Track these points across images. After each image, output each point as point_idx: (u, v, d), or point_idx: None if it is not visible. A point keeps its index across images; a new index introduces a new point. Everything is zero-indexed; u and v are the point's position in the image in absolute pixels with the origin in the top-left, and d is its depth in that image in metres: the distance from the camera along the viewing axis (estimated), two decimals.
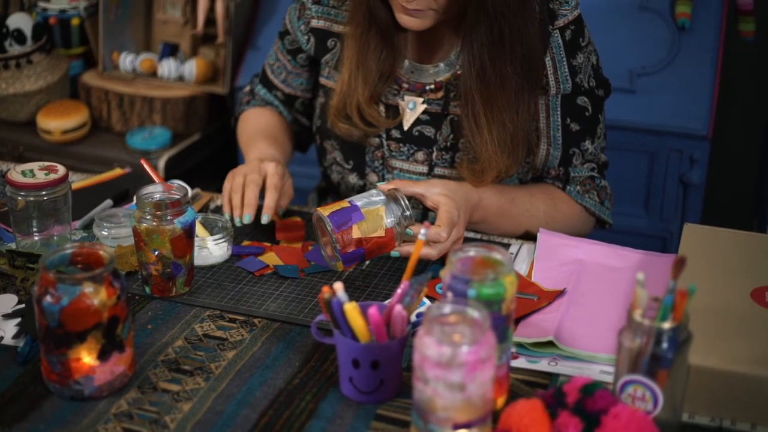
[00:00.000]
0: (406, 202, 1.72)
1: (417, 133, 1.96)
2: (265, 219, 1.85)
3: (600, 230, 2.09)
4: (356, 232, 1.69)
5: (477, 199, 1.87)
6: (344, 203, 1.73)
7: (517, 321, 1.63)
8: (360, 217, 1.70)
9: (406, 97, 1.96)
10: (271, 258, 1.83)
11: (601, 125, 1.99)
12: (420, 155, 1.97)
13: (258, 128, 2.13)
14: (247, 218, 1.83)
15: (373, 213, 1.71)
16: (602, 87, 1.97)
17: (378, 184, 1.78)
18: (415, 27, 1.81)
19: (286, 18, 2.08)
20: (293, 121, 2.20)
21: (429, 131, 1.95)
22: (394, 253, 1.73)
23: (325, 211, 1.71)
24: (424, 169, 1.97)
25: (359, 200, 1.73)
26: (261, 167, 1.90)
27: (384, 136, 1.98)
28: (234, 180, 1.88)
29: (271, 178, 1.88)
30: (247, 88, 2.24)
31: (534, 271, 1.80)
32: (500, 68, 1.83)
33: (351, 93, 1.93)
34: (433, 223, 1.74)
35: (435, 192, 1.78)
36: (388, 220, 1.71)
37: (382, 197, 1.74)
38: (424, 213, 1.98)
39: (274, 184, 1.87)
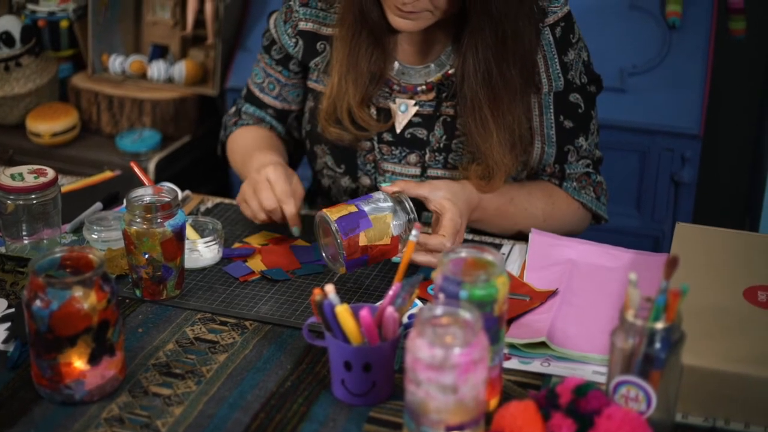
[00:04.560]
0: (411, 205, 1.72)
1: (409, 136, 1.95)
2: (296, 231, 1.83)
3: (592, 229, 2.09)
4: (363, 240, 1.68)
5: (477, 200, 1.87)
6: (351, 207, 1.71)
7: (510, 322, 1.63)
8: (368, 224, 1.69)
9: (398, 100, 1.94)
10: (256, 264, 1.82)
11: (594, 121, 1.99)
12: (412, 157, 1.96)
13: (250, 143, 2.05)
14: (296, 231, 1.83)
15: (381, 220, 1.70)
16: (594, 83, 1.97)
17: (382, 185, 1.77)
18: (409, 29, 1.80)
19: (270, 27, 2.04)
20: (286, 133, 2.13)
21: (421, 133, 1.94)
22: (396, 258, 1.72)
23: (332, 215, 1.69)
24: (417, 171, 1.96)
25: (366, 205, 1.71)
26: (261, 177, 1.83)
27: (375, 139, 1.97)
28: (251, 205, 1.84)
29: (278, 185, 1.81)
30: (232, 110, 2.17)
31: (526, 272, 1.79)
32: (504, 70, 1.82)
33: (341, 96, 1.92)
34: (425, 224, 1.72)
35: (439, 196, 1.77)
36: (395, 229, 1.70)
37: (390, 203, 1.72)
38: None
39: (285, 191, 1.81)
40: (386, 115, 1.96)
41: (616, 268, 1.79)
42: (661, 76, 2.87)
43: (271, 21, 2.04)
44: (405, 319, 1.54)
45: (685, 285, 1.29)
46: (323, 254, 1.75)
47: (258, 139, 2.07)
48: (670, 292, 1.29)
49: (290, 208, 1.81)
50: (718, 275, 1.63)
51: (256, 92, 2.10)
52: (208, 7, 3.11)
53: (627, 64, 2.87)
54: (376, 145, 1.97)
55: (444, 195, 1.77)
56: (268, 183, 1.82)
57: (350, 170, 2.01)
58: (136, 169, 1.87)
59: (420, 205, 1.79)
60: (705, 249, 1.72)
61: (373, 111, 1.95)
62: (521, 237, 1.95)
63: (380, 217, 1.70)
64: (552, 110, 1.93)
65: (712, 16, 2.92)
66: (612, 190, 2.16)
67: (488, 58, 1.81)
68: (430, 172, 1.96)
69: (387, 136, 1.96)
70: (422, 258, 1.71)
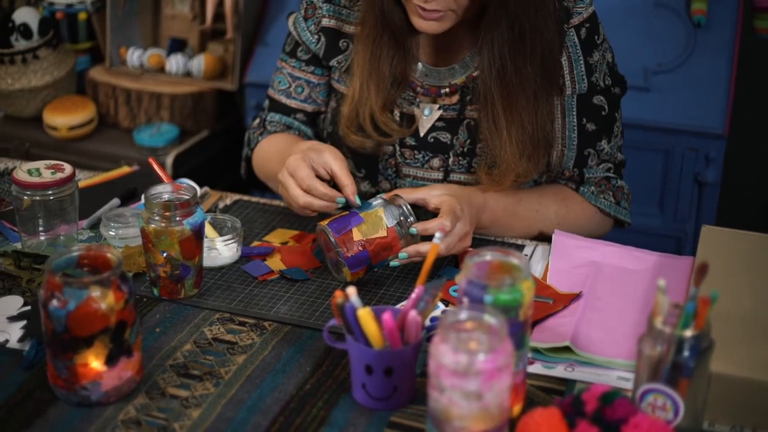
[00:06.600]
0: (409, 208, 1.70)
1: (432, 140, 1.92)
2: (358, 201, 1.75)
3: (613, 229, 2.06)
4: (357, 235, 1.67)
5: (482, 201, 1.84)
6: (344, 213, 1.72)
7: (533, 325, 1.60)
8: (359, 220, 1.69)
9: (422, 104, 1.92)
10: (275, 263, 1.80)
11: (618, 124, 1.95)
12: (435, 162, 1.93)
13: (283, 146, 1.97)
14: (340, 201, 1.74)
15: (372, 215, 1.70)
16: (618, 85, 1.94)
17: (377, 196, 1.75)
18: (432, 30, 1.77)
19: (291, 28, 2.00)
20: (315, 137, 2.08)
21: (445, 137, 1.92)
22: (403, 254, 1.69)
23: (324, 222, 1.70)
24: (440, 175, 1.94)
25: (358, 208, 1.72)
26: (310, 156, 1.75)
27: (397, 143, 1.94)
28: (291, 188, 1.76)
29: (336, 162, 1.74)
30: (256, 122, 2.11)
31: (549, 274, 1.77)
32: (520, 67, 1.79)
33: (363, 102, 1.88)
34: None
35: (436, 194, 1.75)
36: (389, 220, 1.69)
37: (380, 201, 1.72)
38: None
39: (342, 166, 1.74)
40: (409, 120, 1.93)
41: (640, 271, 1.77)
42: (686, 75, 2.84)
43: (290, 22, 2.01)
44: (427, 322, 1.51)
45: (714, 292, 1.26)
46: (330, 268, 1.75)
47: (291, 139, 2.00)
48: (699, 299, 1.26)
49: (349, 180, 1.74)
50: (745, 280, 1.61)
51: (282, 99, 2.05)
52: (228, 1, 3.09)
53: (651, 63, 2.85)
54: (397, 149, 1.94)
55: (442, 192, 1.75)
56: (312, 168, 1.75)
57: (371, 175, 1.98)
58: (155, 166, 1.85)
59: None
60: (731, 253, 1.69)
61: (397, 114, 1.92)
62: (544, 238, 1.92)
63: (371, 212, 1.70)
64: (575, 113, 1.90)
65: (737, 15, 2.89)
66: (634, 189, 2.13)
67: (504, 54, 1.78)
68: (453, 176, 1.93)
69: (409, 141, 1.93)
70: (425, 248, 1.68)
